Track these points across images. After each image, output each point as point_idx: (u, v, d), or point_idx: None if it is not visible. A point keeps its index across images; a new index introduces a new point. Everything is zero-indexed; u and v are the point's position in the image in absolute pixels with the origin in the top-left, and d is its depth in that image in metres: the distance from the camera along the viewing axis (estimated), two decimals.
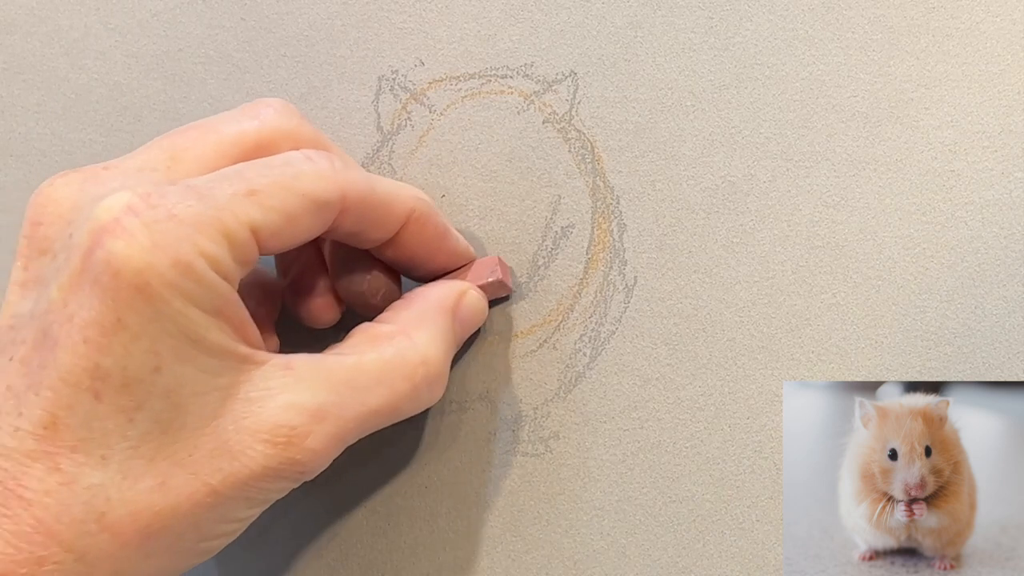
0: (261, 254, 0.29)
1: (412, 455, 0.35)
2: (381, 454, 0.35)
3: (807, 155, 0.34)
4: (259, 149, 0.31)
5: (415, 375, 0.31)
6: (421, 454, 0.35)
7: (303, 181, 0.29)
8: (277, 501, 0.30)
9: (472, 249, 0.34)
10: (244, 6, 0.38)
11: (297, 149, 0.31)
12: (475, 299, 0.34)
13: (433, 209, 0.33)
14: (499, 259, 0.34)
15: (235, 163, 0.30)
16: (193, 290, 0.27)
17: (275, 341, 0.34)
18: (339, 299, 0.34)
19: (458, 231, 0.34)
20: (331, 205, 0.30)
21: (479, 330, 0.35)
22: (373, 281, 0.34)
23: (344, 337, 0.32)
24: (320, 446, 0.29)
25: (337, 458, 0.30)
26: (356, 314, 0.34)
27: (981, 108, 0.33)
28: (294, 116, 0.32)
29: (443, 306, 0.33)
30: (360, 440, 0.31)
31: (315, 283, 0.34)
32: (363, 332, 0.31)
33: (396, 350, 0.31)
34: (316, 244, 0.34)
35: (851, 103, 0.34)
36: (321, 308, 0.34)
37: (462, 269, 0.34)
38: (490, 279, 0.34)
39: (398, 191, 0.32)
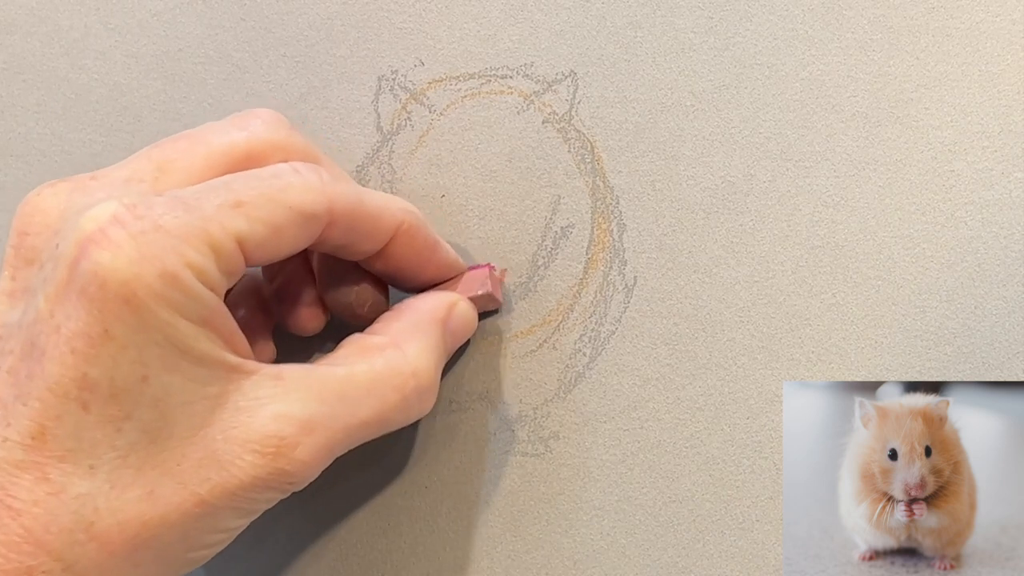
0: (248, 265, 0.29)
1: (412, 455, 0.35)
2: (381, 454, 0.35)
3: (807, 155, 0.34)
4: (248, 160, 0.31)
5: (405, 387, 0.31)
6: (421, 454, 0.35)
7: (290, 193, 0.29)
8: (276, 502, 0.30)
9: (462, 261, 0.34)
10: (244, 6, 0.38)
11: (287, 161, 0.30)
12: (465, 311, 0.34)
13: (422, 222, 0.32)
14: (490, 271, 0.34)
15: (223, 174, 0.30)
16: (179, 300, 0.27)
17: (271, 349, 0.34)
18: (325, 308, 0.34)
19: (450, 241, 0.34)
20: (318, 218, 0.29)
21: (478, 330, 0.35)
22: (361, 293, 0.33)
23: (335, 347, 0.32)
24: (309, 457, 0.29)
25: (336, 458, 0.30)
26: (345, 322, 0.34)
27: (981, 108, 0.33)
28: (283, 127, 0.32)
29: (434, 318, 0.32)
30: None
31: (301, 291, 0.34)
32: (354, 343, 0.31)
33: (386, 362, 0.31)
34: (304, 253, 0.34)
35: (851, 103, 0.34)
36: (306, 316, 0.34)
37: (452, 281, 0.34)
38: (480, 292, 0.34)
39: (387, 204, 0.32)
